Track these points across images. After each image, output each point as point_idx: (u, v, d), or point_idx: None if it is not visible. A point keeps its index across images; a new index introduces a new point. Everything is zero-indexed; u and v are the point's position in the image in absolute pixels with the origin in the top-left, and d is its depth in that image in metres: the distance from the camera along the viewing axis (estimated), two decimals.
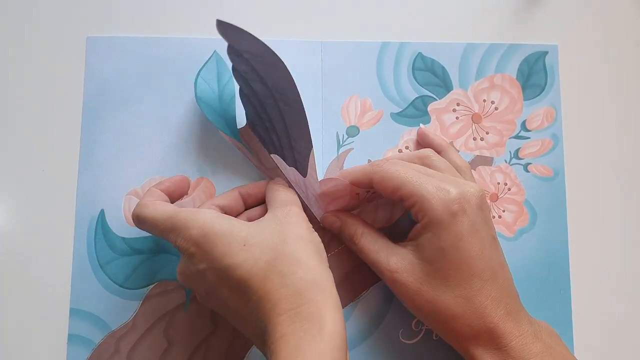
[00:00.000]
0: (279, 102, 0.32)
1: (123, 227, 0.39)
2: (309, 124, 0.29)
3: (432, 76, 0.42)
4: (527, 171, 0.41)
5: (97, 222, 0.39)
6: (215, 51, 0.40)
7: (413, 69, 0.42)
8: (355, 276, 0.39)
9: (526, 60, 0.42)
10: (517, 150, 0.41)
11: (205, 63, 0.40)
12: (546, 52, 0.42)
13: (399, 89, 0.41)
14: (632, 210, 0.41)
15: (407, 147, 0.41)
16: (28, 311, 0.38)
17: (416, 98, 0.41)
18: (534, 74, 0.42)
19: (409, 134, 0.41)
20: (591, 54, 0.43)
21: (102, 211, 0.39)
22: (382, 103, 0.41)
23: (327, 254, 0.38)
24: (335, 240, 0.39)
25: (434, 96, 0.42)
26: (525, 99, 0.42)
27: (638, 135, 0.42)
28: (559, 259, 0.40)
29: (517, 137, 0.41)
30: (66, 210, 0.39)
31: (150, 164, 0.40)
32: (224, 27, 0.33)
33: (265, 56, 0.31)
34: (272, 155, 0.38)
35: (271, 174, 0.39)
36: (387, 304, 0.39)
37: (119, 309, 0.38)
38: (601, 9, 0.44)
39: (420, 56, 0.42)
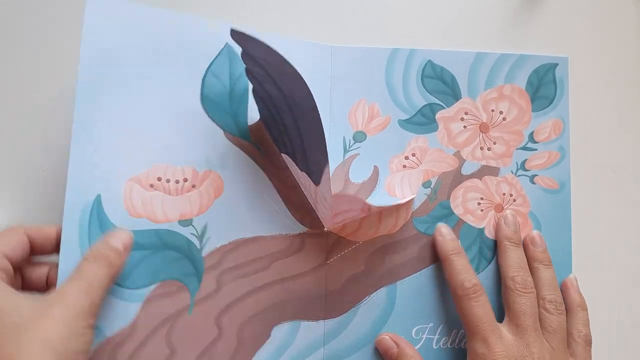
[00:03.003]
0: (293, 109, 0.32)
1: (122, 217, 0.34)
2: (325, 139, 0.28)
3: (441, 84, 0.41)
4: (533, 183, 0.41)
5: (91, 209, 0.34)
6: (227, 43, 0.37)
7: (422, 76, 0.41)
8: (357, 282, 0.39)
9: (536, 71, 0.42)
10: (524, 162, 0.41)
11: (217, 56, 0.37)
12: (556, 64, 0.42)
13: (408, 95, 0.41)
14: (637, 224, 0.42)
15: (413, 154, 0.40)
16: None
17: (424, 105, 0.41)
18: (543, 86, 0.42)
19: (416, 142, 0.41)
20: (600, 67, 0.43)
21: (98, 196, 0.34)
22: (390, 109, 0.41)
23: (331, 258, 0.38)
24: (338, 244, 0.39)
25: (442, 104, 0.41)
26: (533, 111, 0.42)
27: None
28: (562, 272, 0.40)
29: (524, 148, 0.41)
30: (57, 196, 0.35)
31: (153, 151, 0.35)
32: (238, 36, 0.31)
33: (281, 67, 0.30)
34: (282, 155, 0.37)
35: (280, 175, 0.38)
36: (388, 311, 0.39)
37: (115, 312, 0.34)
38: (612, 23, 0.44)
39: (430, 64, 0.41)
